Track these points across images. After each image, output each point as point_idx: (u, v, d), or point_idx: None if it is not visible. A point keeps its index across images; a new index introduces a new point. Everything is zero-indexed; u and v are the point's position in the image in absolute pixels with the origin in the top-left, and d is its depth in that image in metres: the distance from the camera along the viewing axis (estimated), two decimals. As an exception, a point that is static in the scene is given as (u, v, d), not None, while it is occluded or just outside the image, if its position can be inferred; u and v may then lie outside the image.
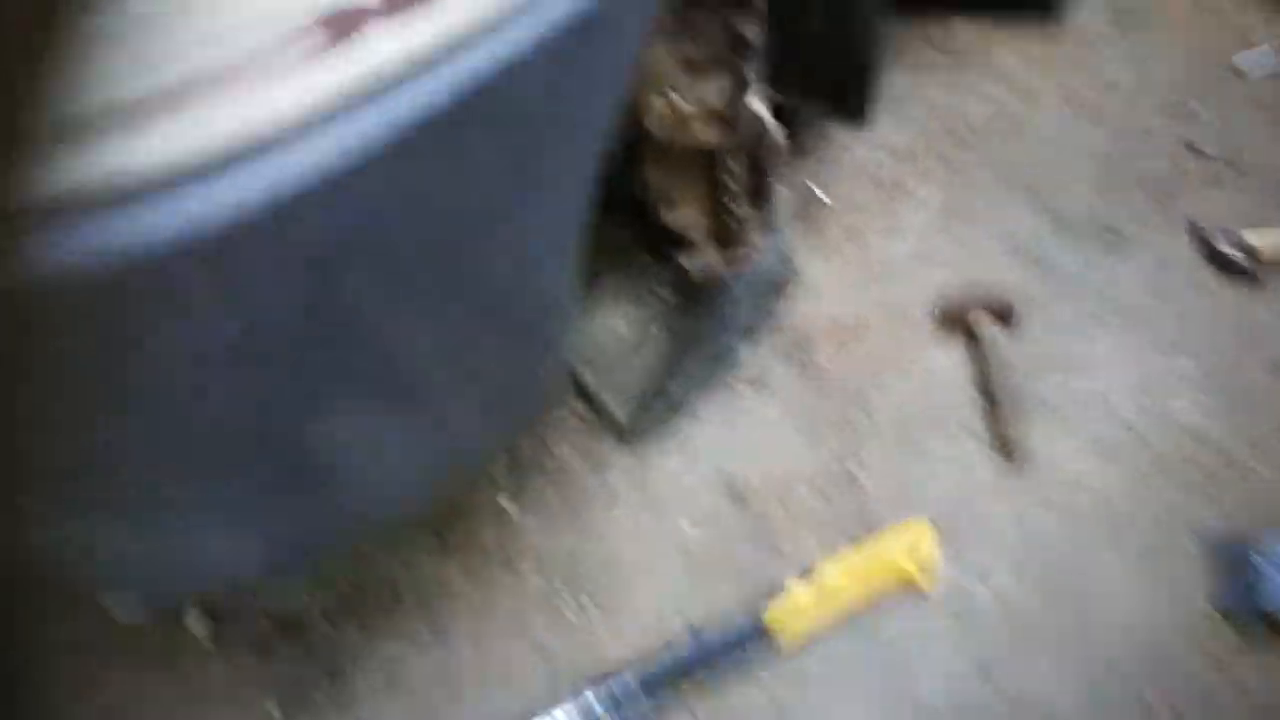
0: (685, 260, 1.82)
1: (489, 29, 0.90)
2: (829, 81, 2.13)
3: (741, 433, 2.04)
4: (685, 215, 1.82)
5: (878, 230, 2.40)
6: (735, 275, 1.95)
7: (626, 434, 2.02)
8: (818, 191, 2.49)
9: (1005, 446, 2.01)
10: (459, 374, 1.20)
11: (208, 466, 0.87)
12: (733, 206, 1.76)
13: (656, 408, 2.00)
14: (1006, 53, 2.77)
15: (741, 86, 1.55)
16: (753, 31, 1.55)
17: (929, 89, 2.72)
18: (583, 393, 2.07)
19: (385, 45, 0.80)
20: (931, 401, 2.10)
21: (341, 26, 0.77)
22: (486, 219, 1.07)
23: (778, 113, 1.76)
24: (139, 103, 0.68)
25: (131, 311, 0.69)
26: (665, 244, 1.99)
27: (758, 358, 2.17)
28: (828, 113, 2.24)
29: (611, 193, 1.91)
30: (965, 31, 2.82)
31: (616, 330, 2.03)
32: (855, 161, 2.57)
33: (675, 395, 2.02)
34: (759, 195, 1.81)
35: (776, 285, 2.20)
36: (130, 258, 0.66)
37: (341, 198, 0.76)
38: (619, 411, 2.01)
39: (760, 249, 1.89)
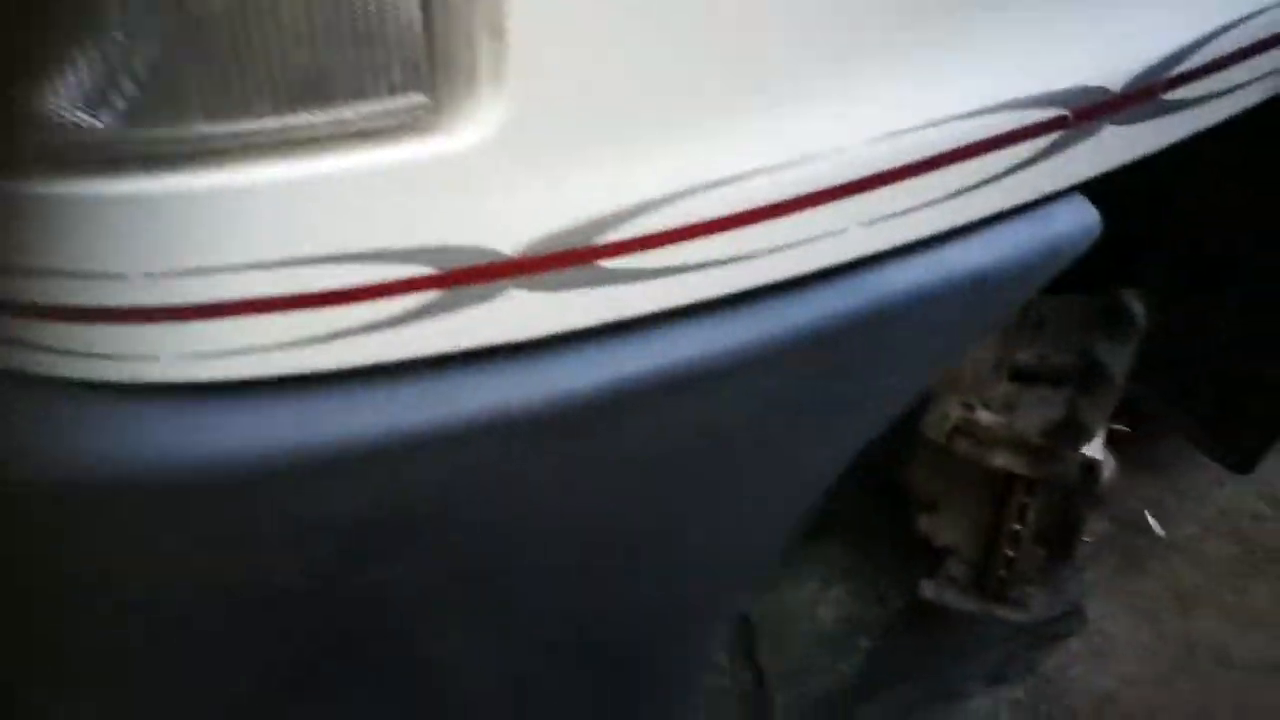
0: (930, 586, 1.38)
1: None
2: (1219, 406, 1.60)
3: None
4: (948, 532, 1.38)
5: (1221, 605, 1.79)
6: (991, 621, 1.47)
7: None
8: (1151, 520, 1.91)
9: None
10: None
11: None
12: (1014, 548, 1.31)
13: (836, 728, 1.56)
14: None
15: (1077, 429, 1.11)
16: (1119, 359, 1.12)
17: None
18: (754, 667, 1.66)
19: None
20: None
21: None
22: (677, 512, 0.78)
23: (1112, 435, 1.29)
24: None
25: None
26: (914, 544, 1.56)
27: (990, 716, 1.64)
28: (1199, 442, 1.68)
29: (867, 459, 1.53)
30: None
31: (820, 615, 1.62)
32: (1219, 500, 1.96)
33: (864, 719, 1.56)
34: (1056, 545, 1.33)
35: (1051, 634, 1.66)
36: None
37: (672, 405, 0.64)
38: (787, 711, 1.58)
39: (1036, 604, 1.40)
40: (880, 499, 1.70)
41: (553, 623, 0.82)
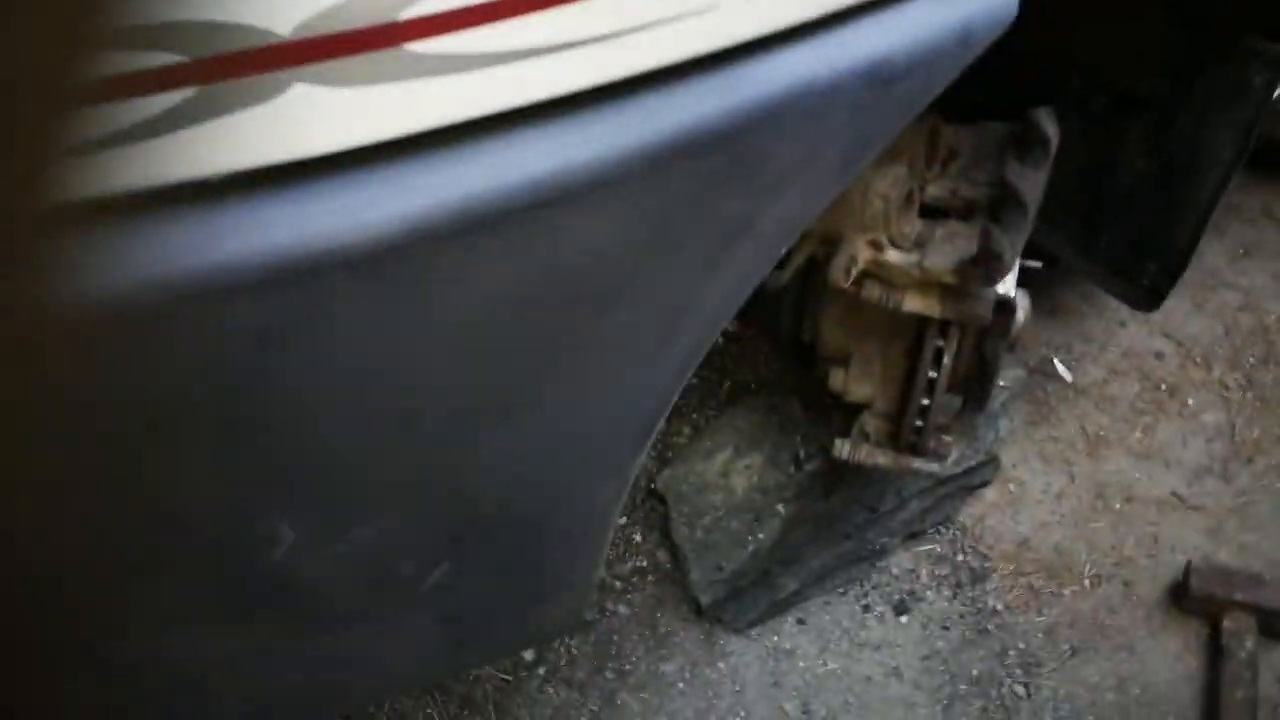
0: (843, 445, 1.33)
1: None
2: (1123, 246, 1.56)
3: (851, 670, 1.52)
4: (860, 386, 1.32)
5: (1129, 445, 1.80)
6: (908, 475, 1.44)
7: (706, 612, 1.55)
8: (1059, 366, 1.90)
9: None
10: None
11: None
12: (929, 396, 1.25)
13: (753, 597, 1.53)
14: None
15: (991, 259, 1.04)
16: (1032, 185, 1.04)
17: (1252, 276, 2.05)
18: (669, 544, 1.61)
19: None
20: (1131, 713, 1.49)
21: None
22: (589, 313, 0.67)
23: (1023, 272, 1.23)
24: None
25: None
26: (825, 402, 1.50)
27: (909, 572, 1.63)
28: (1107, 283, 1.65)
29: (773, 318, 1.45)
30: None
31: (733, 484, 1.56)
32: (1122, 341, 1.95)
33: (782, 589, 1.53)
34: (972, 391, 1.28)
35: (965, 484, 1.65)
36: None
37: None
38: (703, 586, 1.54)
39: (951, 454, 1.36)
40: (790, 360, 1.63)
41: (442, 474, 0.72)
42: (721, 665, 1.53)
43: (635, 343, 0.71)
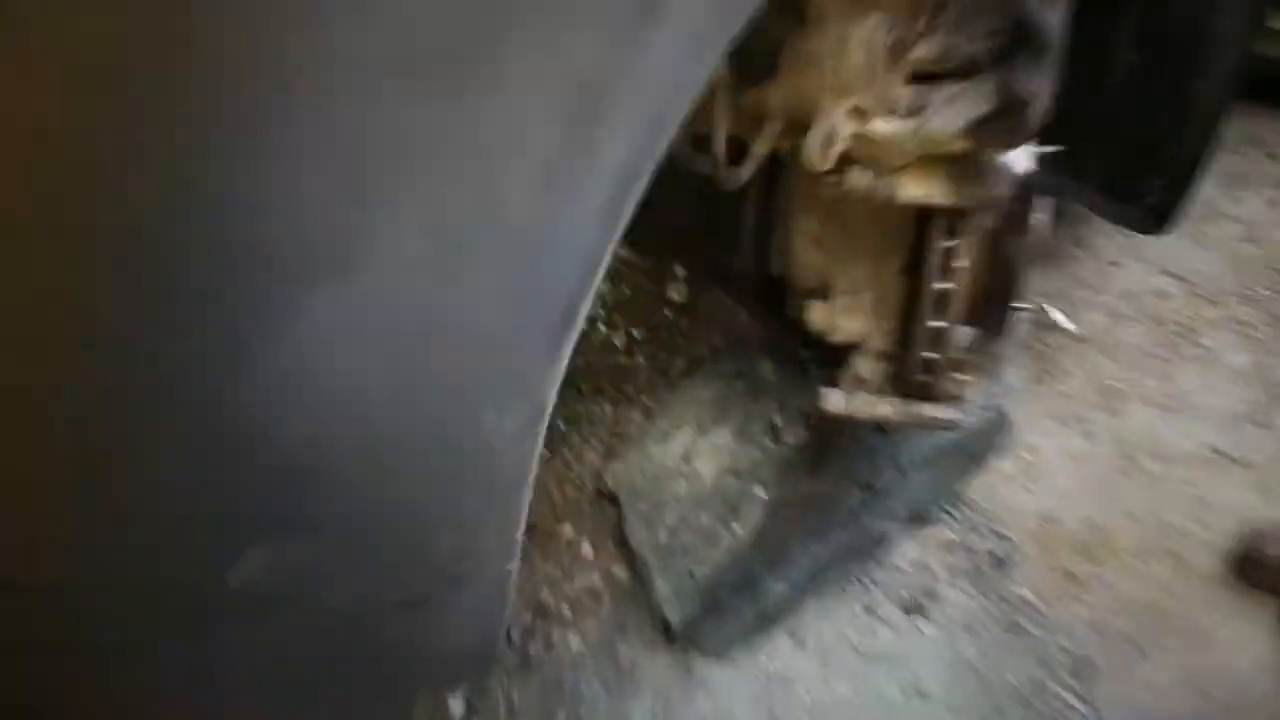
0: (834, 396, 1.04)
1: None
2: (1119, 160, 1.31)
3: (863, 691, 1.22)
4: (848, 321, 1.04)
5: (1148, 396, 1.54)
6: (915, 434, 1.16)
7: (677, 634, 1.23)
8: (1058, 317, 1.65)
9: None
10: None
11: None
12: (939, 323, 0.97)
13: (734, 609, 1.22)
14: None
15: (1018, 107, 0.77)
16: (1054, 18, 0.78)
17: (1247, 205, 1.84)
18: (626, 552, 1.30)
19: None
20: (1211, 707, 1.21)
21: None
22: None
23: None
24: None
25: None
26: (802, 356, 1.22)
27: (919, 565, 1.34)
28: (1103, 207, 1.41)
29: (732, 253, 1.17)
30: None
31: (699, 469, 1.26)
32: (1125, 285, 1.72)
33: (769, 595, 1.22)
34: (990, 311, 1.00)
35: (973, 452, 1.37)
36: None
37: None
38: (671, 601, 1.23)
39: (967, 404, 1.08)
40: (755, 311, 1.35)
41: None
42: (702, 700, 1.21)
43: (535, 143, 0.41)
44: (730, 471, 1.22)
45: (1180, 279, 1.73)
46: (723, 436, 1.24)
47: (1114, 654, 1.25)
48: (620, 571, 1.32)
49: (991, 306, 1.00)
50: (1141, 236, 1.65)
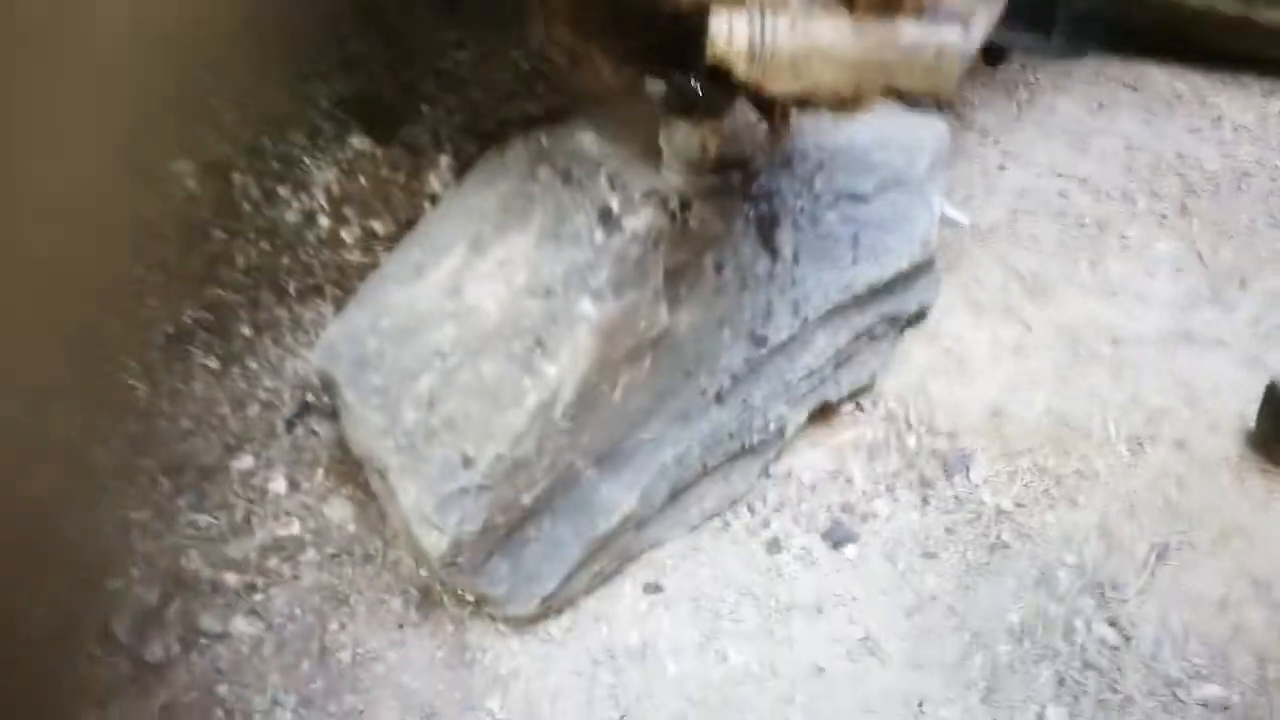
0: (722, 30, 0.56)
1: None
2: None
3: (784, 657, 0.69)
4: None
5: (1081, 284, 1.19)
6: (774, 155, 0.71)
7: (444, 587, 0.66)
8: (948, 209, 1.27)
9: None
10: None
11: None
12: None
13: (550, 541, 0.67)
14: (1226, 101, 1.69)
15: None
16: None
17: (1122, 123, 1.61)
18: (347, 470, 0.73)
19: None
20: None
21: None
22: None
23: None
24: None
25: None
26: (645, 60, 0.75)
27: (833, 475, 0.85)
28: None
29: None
30: (1163, 76, 1.76)
31: (478, 302, 0.73)
32: (1010, 184, 1.39)
33: (605, 517, 0.68)
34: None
35: (896, 309, 0.93)
36: None
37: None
38: (431, 527, 0.66)
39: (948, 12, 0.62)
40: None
41: None
42: (494, 699, 0.64)
43: None
44: (530, 291, 0.70)
45: (1076, 179, 1.42)
46: (514, 247, 0.74)
47: (1138, 564, 0.80)
48: (342, 508, 0.75)
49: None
50: (1021, 141, 1.43)
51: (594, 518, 0.71)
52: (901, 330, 0.97)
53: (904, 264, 0.91)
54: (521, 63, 1.23)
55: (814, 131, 0.91)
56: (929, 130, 0.99)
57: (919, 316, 0.96)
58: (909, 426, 0.92)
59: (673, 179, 0.73)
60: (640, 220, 0.71)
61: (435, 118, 1.18)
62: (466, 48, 1.22)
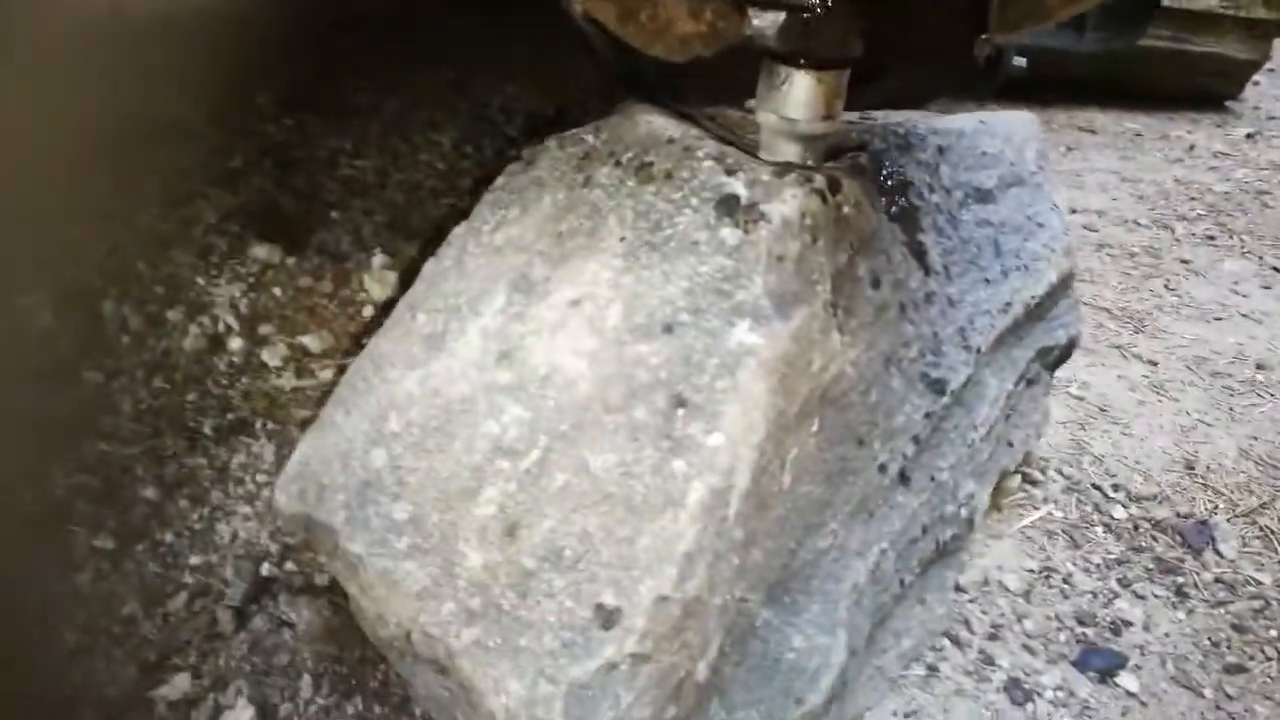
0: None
1: None
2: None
3: None
4: None
5: (1172, 311, 0.99)
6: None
7: None
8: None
9: None
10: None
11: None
12: None
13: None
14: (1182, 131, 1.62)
15: None
16: None
17: (1094, 160, 1.49)
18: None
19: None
20: None
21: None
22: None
23: None
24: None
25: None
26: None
27: (1028, 571, 0.59)
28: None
29: None
30: (1110, 118, 1.70)
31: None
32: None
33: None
34: None
35: (1054, 344, 0.69)
36: None
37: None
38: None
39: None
40: None
41: None
42: None
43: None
44: (638, 331, 0.42)
45: (1093, 212, 1.27)
46: (589, 276, 0.46)
47: None
48: None
49: None
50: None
51: (788, 688, 0.42)
52: (1052, 372, 0.73)
53: (1053, 276, 0.68)
54: (437, 163, 1.00)
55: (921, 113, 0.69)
56: (1019, 118, 0.79)
57: (1067, 353, 0.73)
58: (1106, 497, 0.67)
59: (788, 152, 0.49)
60: (788, 204, 0.46)
61: (353, 221, 0.91)
62: (365, 156, 0.99)
